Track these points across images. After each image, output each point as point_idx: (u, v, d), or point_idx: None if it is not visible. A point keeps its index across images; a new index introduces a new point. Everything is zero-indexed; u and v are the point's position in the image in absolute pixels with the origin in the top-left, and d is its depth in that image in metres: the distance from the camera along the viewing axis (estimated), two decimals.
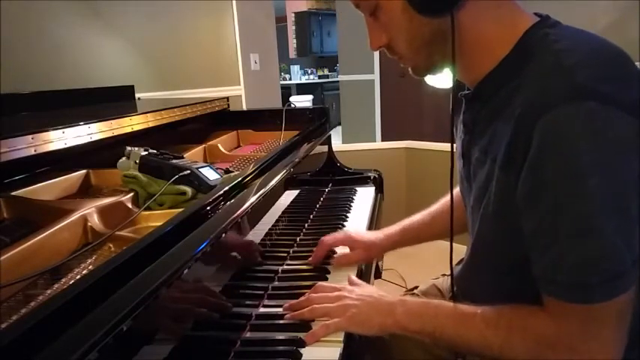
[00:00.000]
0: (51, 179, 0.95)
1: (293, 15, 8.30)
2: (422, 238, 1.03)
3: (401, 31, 0.65)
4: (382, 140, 3.54)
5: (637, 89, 0.55)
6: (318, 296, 0.77)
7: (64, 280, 0.64)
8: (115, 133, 1.04)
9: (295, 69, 8.23)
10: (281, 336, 0.73)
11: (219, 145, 1.38)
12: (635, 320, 0.63)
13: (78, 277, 0.65)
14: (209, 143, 1.39)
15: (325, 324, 0.71)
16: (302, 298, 0.78)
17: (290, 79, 8.16)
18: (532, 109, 0.55)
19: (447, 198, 0.99)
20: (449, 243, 0.76)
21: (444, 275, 1.04)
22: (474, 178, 0.72)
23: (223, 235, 0.71)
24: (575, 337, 0.58)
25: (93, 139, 0.96)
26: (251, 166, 0.96)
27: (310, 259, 0.97)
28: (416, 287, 1.06)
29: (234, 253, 0.79)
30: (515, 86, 0.60)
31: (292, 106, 1.72)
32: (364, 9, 0.68)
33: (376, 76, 3.83)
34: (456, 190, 0.84)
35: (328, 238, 0.99)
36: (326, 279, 0.91)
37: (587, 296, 0.55)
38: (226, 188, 0.80)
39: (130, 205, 0.87)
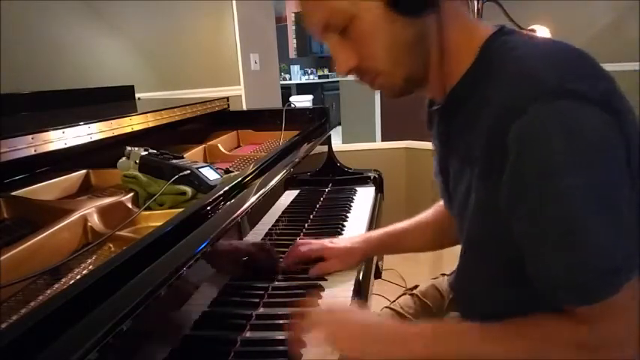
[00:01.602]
0: (51, 179, 0.95)
1: (293, 15, 8.29)
2: (402, 248, 1.00)
3: (380, 39, 0.61)
4: (382, 140, 3.53)
5: (604, 84, 0.55)
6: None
7: (64, 280, 0.64)
8: (115, 133, 1.04)
9: (295, 69, 8.22)
10: (281, 336, 0.73)
11: (219, 145, 1.38)
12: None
13: (78, 277, 0.65)
14: (209, 143, 1.39)
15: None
16: None
17: (290, 79, 8.16)
18: (503, 117, 0.55)
19: (435, 207, 0.98)
20: (460, 242, 0.75)
21: (443, 275, 1.04)
22: (454, 190, 0.72)
23: (223, 235, 0.71)
24: (611, 332, 0.56)
25: (93, 139, 0.96)
26: (251, 166, 0.96)
27: (282, 261, 0.95)
28: (416, 287, 1.06)
29: (237, 256, 0.79)
30: (483, 96, 0.60)
31: (292, 106, 1.72)
32: (334, 28, 0.62)
33: None
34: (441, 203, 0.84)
35: (303, 247, 0.95)
36: (325, 279, 0.91)
37: (590, 296, 0.55)
38: (226, 188, 0.80)
39: (130, 205, 0.87)
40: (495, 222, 0.60)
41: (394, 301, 1.04)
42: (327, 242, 0.97)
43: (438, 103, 0.72)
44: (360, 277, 0.94)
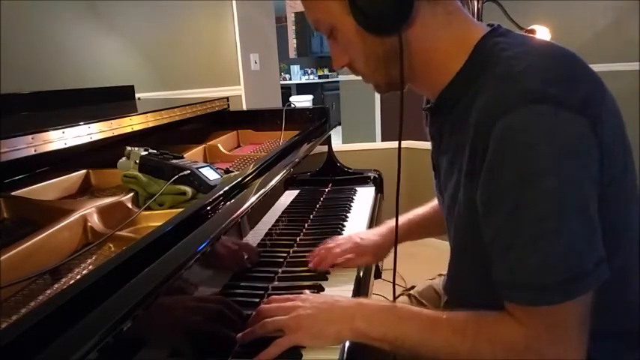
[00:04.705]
0: (51, 179, 0.95)
1: (293, 15, 8.29)
2: (426, 231, 1.02)
3: (357, 50, 0.67)
4: (382, 140, 3.53)
5: (584, 89, 0.56)
6: (270, 307, 0.72)
7: (64, 280, 0.64)
8: (115, 133, 1.04)
9: (295, 69, 8.22)
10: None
11: (219, 145, 1.38)
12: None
13: (78, 277, 0.65)
14: (209, 143, 1.39)
15: (277, 342, 0.67)
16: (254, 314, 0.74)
17: (290, 79, 8.15)
18: (487, 117, 0.56)
19: None
20: (449, 243, 0.75)
21: (440, 275, 1.04)
22: (444, 189, 0.72)
23: (223, 235, 0.71)
24: (542, 341, 0.57)
25: (93, 139, 0.96)
26: (251, 166, 0.96)
27: (311, 264, 0.94)
28: (413, 287, 1.06)
29: (234, 255, 0.79)
30: (472, 97, 0.61)
31: (292, 106, 1.72)
32: (323, 31, 0.69)
33: None
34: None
35: (336, 249, 0.95)
36: (326, 279, 0.91)
37: (546, 298, 0.55)
38: (226, 188, 0.80)
39: (130, 205, 0.87)
40: (479, 225, 0.61)
41: (392, 301, 1.04)
42: (357, 239, 0.99)
43: (431, 102, 0.72)
44: (360, 277, 0.94)
